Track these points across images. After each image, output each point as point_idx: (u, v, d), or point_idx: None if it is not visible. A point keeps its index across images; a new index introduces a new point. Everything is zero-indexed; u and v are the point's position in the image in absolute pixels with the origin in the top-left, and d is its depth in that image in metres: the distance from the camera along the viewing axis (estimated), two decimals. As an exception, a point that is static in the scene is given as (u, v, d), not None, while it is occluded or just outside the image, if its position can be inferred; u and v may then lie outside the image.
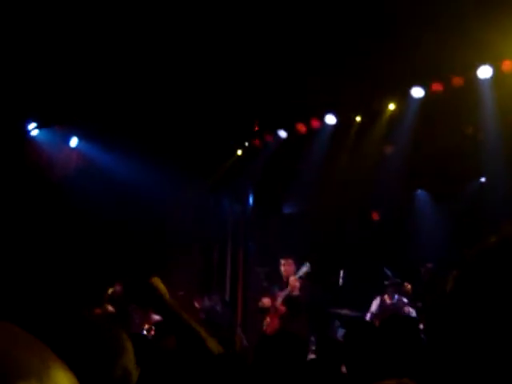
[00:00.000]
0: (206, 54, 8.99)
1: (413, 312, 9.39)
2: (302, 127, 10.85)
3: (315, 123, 10.69)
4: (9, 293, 8.94)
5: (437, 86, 9.38)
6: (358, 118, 10.31)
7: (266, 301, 8.75)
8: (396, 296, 9.85)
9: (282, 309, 8.37)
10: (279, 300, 8.48)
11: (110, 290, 10.60)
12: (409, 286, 9.68)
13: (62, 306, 8.82)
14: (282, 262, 8.79)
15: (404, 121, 9.93)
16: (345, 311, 9.87)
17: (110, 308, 10.44)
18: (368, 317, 9.80)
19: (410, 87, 9.62)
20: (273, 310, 8.49)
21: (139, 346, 3.86)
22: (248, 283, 12.25)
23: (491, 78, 8.90)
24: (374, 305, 9.99)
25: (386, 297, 9.91)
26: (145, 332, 10.11)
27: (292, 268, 8.73)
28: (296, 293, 8.38)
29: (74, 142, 11.41)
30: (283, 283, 8.73)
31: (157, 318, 10.29)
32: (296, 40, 8.46)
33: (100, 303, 10.42)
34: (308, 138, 10.94)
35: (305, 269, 8.51)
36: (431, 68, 9.10)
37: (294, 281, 8.39)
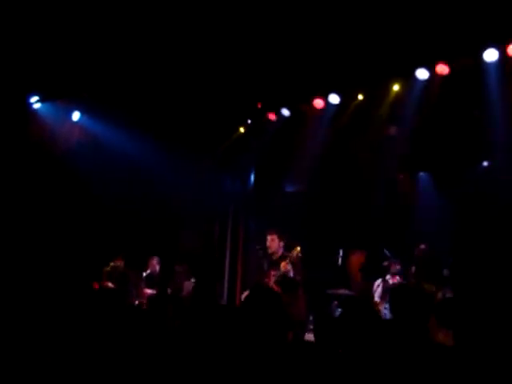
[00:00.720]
0: (209, 31, 8.94)
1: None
2: (305, 106, 10.80)
3: (319, 102, 10.64)
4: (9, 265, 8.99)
5: (442, 68, 9.30)
6: (361, 97, 10.23)
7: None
8: (398, 278, 9.89)
9: (276, 289, 8.35)
10: (272, 280, 8.45)
11: (111, 265, 10.66)
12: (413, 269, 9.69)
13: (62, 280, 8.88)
14: (268, 237, 8.78)
15: (408, 102, 9.87)
16: (342, 291, 9.93)
17: (110, 284, 10.50)
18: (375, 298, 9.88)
19: (415, 68, 9.55)
20: None
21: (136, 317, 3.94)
22: (247, 261, 12.29)
23: (497, 60, 8.82)
24: (375, 286, 10.04)
25: (388, 277, 9.94)
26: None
27: (276, 243, 8.69)
28: (290, 275, 8.36)
29: (76, 116, 11.37)
30: (271, 259, 8.72)
31: (149, 292, 10.42)
32: (301, 18, 8.39)
33: (99, 278, 10.47)
34: (311, 117, 10.89)
35: (295, 253, 8.46)
36: (436, 49, 9.05)
37: (285, 265, 8.35)
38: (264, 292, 3.82)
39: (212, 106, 10.95)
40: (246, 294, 8.97)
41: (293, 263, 8.40)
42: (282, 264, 8.34)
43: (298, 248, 8.47)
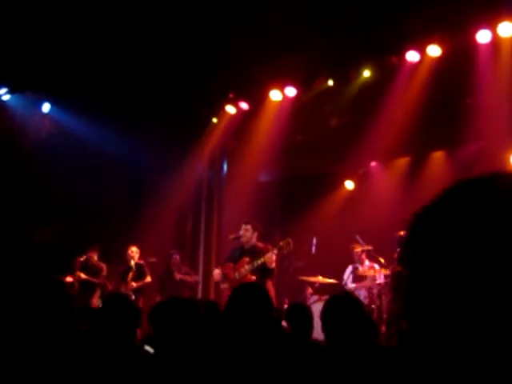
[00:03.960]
0: (182, 23, 8.90)
1: (381, 278, 9.53)
2: (277, 94, 10.80)
3: (291, 90, 10.64)
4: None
5: (412, 55, 9.37)
6: (331, 83, 10.25)
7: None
8: (367, 263, 9.96)
9: (252, 278, 8.37)
10: (246, 268, 8.48)
11: (83, 258, 10.60)
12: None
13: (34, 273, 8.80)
14: (243, 226, 8.84)
15: (378, 88, 9.95)
16: (318, 278, 9.96)
17: (83, 275, 10.44)
18: (343, 284, 9.95)
19: (386, 55, 9.61)
20: (236, 278, 8.50)
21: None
22: (221, 251, 12.28)
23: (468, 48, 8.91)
24: (347, 273, 10.12)
25: (357, 264, 10.02)
26: None
27: (249, 233, 8.76)
28: (272, 266, 8.41)
29: (46, 107, 11.27)
30: (243, 248, 8.78)
31: (134, 285, 10.36)
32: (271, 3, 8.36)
33: (72, 271, 10.41)
34: (283, 105, 10.91)
35: (287, 247, 8.50)
36: (407, 37, 9.11)
37: (271, 256, 8.39)
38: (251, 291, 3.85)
39: (184, 95, 10.91)
40: (216, 271, 9.02)
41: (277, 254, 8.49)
42: (268, 255, 8.37)
43: (290, 241, 8.52)
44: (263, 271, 8.40)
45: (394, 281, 9.11)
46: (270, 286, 8.49)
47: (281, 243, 8.53)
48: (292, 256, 11.19)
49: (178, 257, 11.20)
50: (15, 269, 8.64)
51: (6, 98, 10.94)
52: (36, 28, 9.03)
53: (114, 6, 8.62)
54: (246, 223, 8.87)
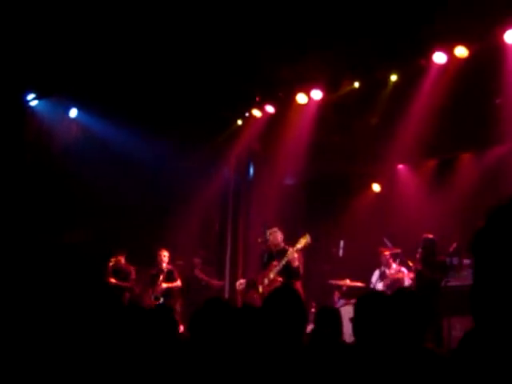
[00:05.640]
0: (207, 24, 8.90)
1: (409, 281, 9.46)
2: (303, 97, 10.77)
3: (317, 93, 10.61)
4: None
5: (440, 57, 9.29)
6: (357, 85, 10.19)
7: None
8: (394, 266, 9.88)
9: (279, 280, 8.34)
10: (274, 271, 8.45)
11: (112, 261, 10.66)
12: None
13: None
14: (268, 231, 8.83)
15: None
16: (345, 282, 9.91)
17: (113, 281, 10.50)
18: (371, 287, 9.89)
19: (413, 57, 9.55)
20: (265, 283, 8.48)
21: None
22: (249, 255, 12.28)
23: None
24: (375, 276, 10.06)
25: (384, 268, 9.95)
26: (153, 299, 10.33)
27: (278, 236, 8.75)
28: (295, 264, 8.35)
29: (73, 112, 11.36)
30: (272, 252, 8.75)
31: (165, 286, 10.43)
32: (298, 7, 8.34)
33: (104, 276, 10.47)
34: (308, 108, 10.88)
35: (304, 240, 8.46)
36: (434, 38, 9.03)
37: (292, 252, 8.35)
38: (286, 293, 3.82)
39: (210, 98, 10.92)
40: (241, 281, 9.10)
41: (298, 251, 8.47)
42: (290, 251, 8.36)
43: (308, 235, 8.49)
44: (288, 271, 8.37)
45: (417, 281, 9.03)
46: (299, 287, 8.44)
47: (300, 239, 8.51)
48: (320, 259, 11.15)
49: (198, 259, 11.36)
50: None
51: (34, 103, 11.04)
52: (63, 34, 9.11)
53: (136, 11, 8.66)
54: (270, 227, 8.88)
